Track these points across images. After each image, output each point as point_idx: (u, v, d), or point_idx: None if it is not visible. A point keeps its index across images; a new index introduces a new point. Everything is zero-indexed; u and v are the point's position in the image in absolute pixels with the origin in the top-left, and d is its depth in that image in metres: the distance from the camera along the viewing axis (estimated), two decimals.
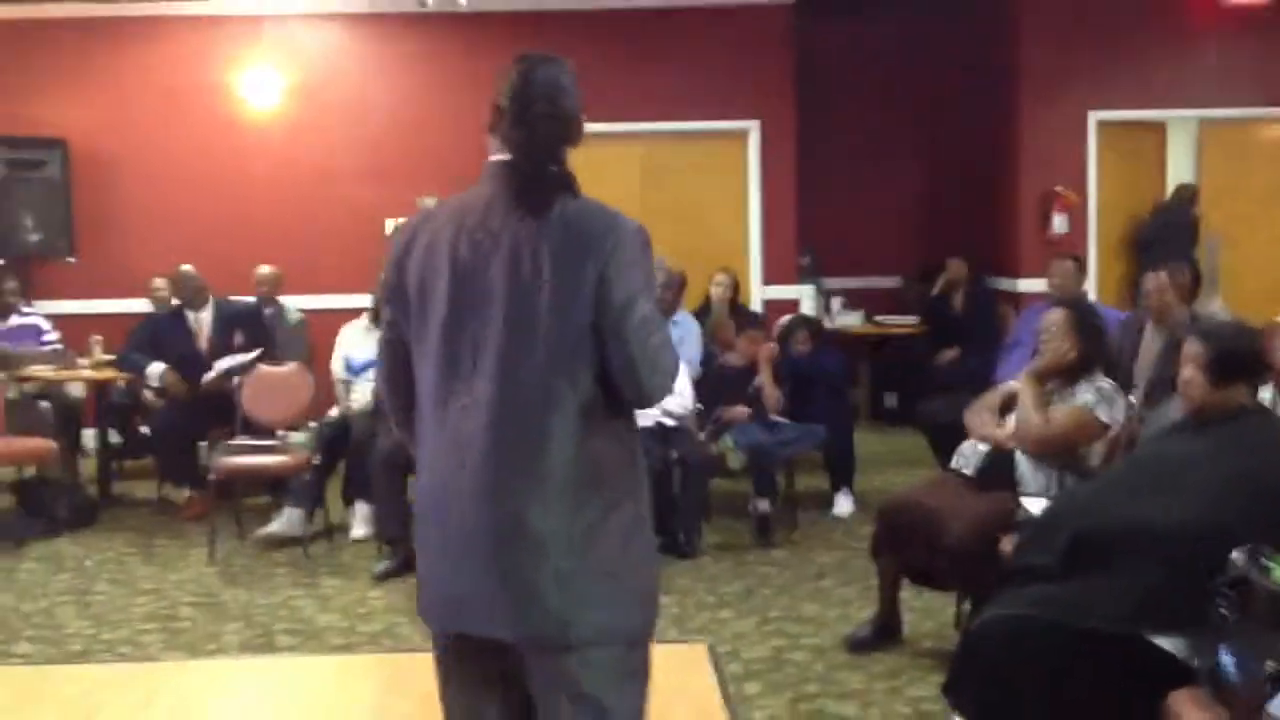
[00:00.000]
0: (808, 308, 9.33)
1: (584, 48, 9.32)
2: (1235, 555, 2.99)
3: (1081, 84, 9.35)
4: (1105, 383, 4.49)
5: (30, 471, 7.44)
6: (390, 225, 8.61)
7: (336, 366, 7.06)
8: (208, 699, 4.50)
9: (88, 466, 7.94)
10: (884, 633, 4.78)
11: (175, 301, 7.56)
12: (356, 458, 6.55)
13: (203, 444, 7.32)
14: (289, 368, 6.94)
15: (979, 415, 4.83)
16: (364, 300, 7.25)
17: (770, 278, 9.54)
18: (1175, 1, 9.25)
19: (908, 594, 4.91)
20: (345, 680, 4.64)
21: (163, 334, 7.35)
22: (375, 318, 6.56)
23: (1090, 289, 7.74)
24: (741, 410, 6.46)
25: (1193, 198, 9.57)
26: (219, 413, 7.04)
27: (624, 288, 2.32)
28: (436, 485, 2.41)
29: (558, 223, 2.34)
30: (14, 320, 7.95)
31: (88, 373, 7.57)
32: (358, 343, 6.89)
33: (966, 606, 4.61)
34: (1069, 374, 4.52)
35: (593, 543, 2.34)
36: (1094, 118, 9.43)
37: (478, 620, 2.38)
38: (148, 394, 7.59)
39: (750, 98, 9.42)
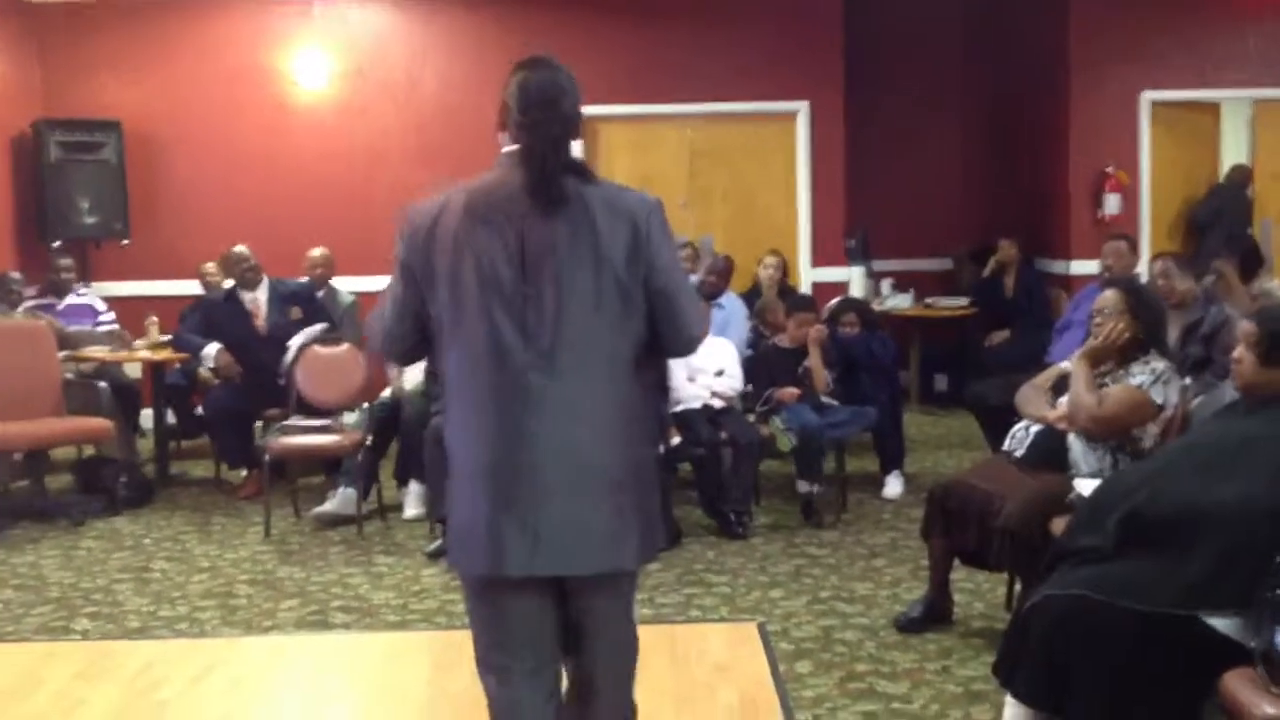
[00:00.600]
0: (857, 290, 9.29)
1: (633, 30, 9.37)
2: None
3: (1134, 64, 9.25)
4: (1160, 363, 4.44)
5: (89, 451, 7.58)
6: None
7: None
8: (264, 674, 4.57)
9: (145, 446, 8.06)
10: (934, 613, 4.78)
11: (228, 283, 7.64)
12: (408, 438, 6.61)
13: (258, 424, 7.41)
14: (342, 349, 7.00)
15: (1030, 397, 4.82)
16: None
17: (819, 260, 9.52)
18: None
19: (958, 575, 4.91)
20: (399, 656, 4.69)
21: (218, 316, 7.43)
22: None
23: (1142, 270, 7.66)
24: (791, 391, 6.46)
25: (1246, 179, 9.46)
26: (273, 393, 7.12)
27: (665, 253, 2.68)
28: (494, 435, 2.62)
29: (594, 201, 2.64)
30: (69, 300, 8.06)
31: (144, 353, 7.67)
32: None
33: (1017, 588, 4.61)
34: (1123, 355, 4.49)
35: (637, 478, 2.68)
36: (1146, 98, 9.33)
37: (541, 561, 2.60)
38: (204, 374, 7.68)
39: (799, 79, 9.39)
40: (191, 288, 8.53)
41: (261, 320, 7.39)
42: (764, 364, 6.74)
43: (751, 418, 6.51)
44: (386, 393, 7.00)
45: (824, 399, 6.59)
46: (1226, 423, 3.72)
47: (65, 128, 8.89)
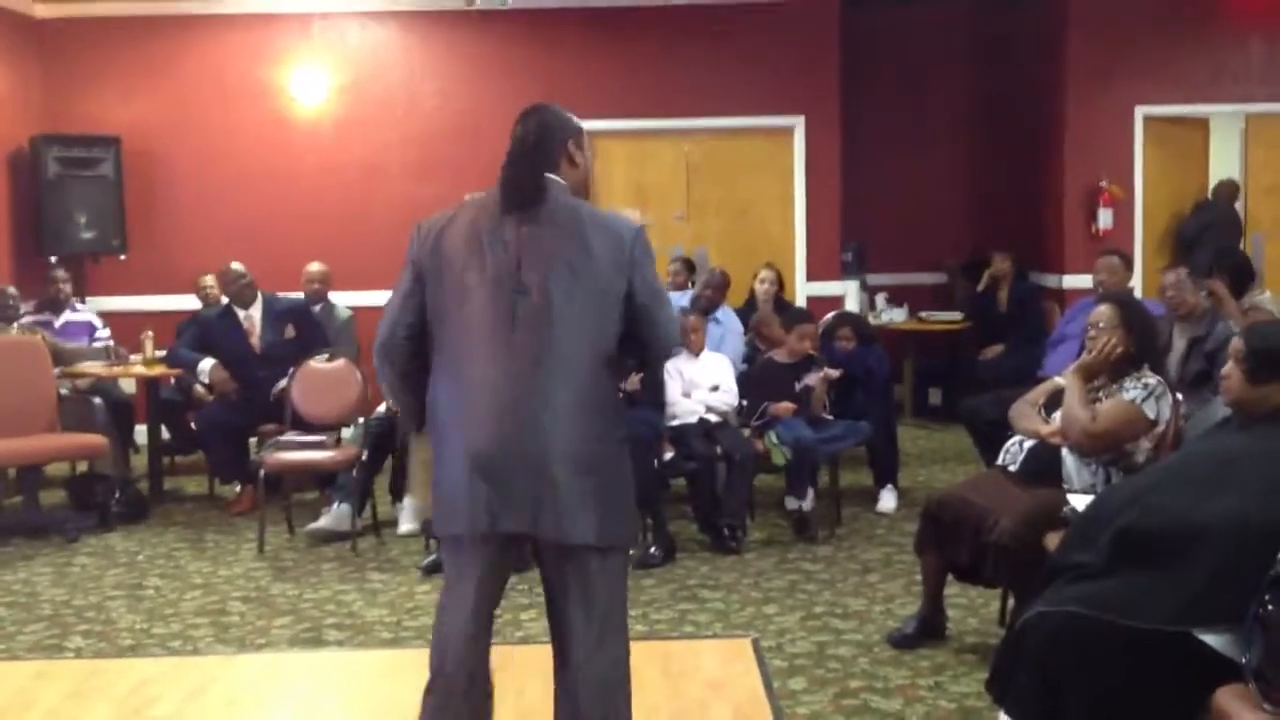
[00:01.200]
0: (852, 304, 9.32)
1: (630, 44, 9.40)
2: None
3: (1128, 78, 9.29)
4: (1152, 379, 4.46)
5: (83, 467, 7.56)
6: None
7: None
8: (258, 693, 4.56)
9: (139, 462, 8.06)
10: (928, 629, 4.78)
11: (224, 299, 7.65)
12: (403, 454, 6.61)
13: (252, 439, 7.40)
14: (338, 364, 7.01)
15: (1024, 412, 4.82)
16: None
17: (814, 274, 9.54)
18: None
19: (952, 590, 4.91)
20: (393, 674, 4.68)
21: (213, 332, 7.43)
22: None
23: (1136, 285, 7.68)
24: (787, 406, 6.46)
25: (1234, 193, 9.49)
26: (267, 410, 7.12)
27: (648, 273, 3.03)
28: (481, 416, 2.95)
29: (585, 217, 3.01)
30: (67, 316, 8.07)
31: (139, 369, 7.66)
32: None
33: (1011, 603, 4.61)
34: (1116, 369, 4.50)
35: (600, 466, 2.98)
36: (1140, 112, 9.36)
37: (511, 519, 2.94)
38: (199, 389, 7.68)
39: (796, 93, 9.43)
40: (188, 303, 8.55)
41: (256, 338, 7.39)
42: (760, 378, 6.75)
43: (746, 432, 6.51)
44: (382, 408, 6.99)
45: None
46: (1218, 439, 3.73)
47: (64, 143, 8.92)
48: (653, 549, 5.99)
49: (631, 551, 5.92)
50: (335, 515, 6.61)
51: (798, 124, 9.50)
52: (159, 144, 9.35)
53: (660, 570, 5.86)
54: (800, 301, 9.09)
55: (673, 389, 6.52)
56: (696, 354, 6.66)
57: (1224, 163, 9.78)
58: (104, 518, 6.88)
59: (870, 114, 10.01)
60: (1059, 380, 4.75)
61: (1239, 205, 9.57)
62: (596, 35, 9.39)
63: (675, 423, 6.40)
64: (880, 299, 10.01)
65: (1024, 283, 9.32)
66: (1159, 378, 4.50)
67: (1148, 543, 3.33)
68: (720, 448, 6.31)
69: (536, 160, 3.04)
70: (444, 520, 3.06)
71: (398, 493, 6.77)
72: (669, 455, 6.25)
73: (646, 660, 4.64)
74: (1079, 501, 4.13)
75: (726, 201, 9.69)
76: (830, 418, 6.64)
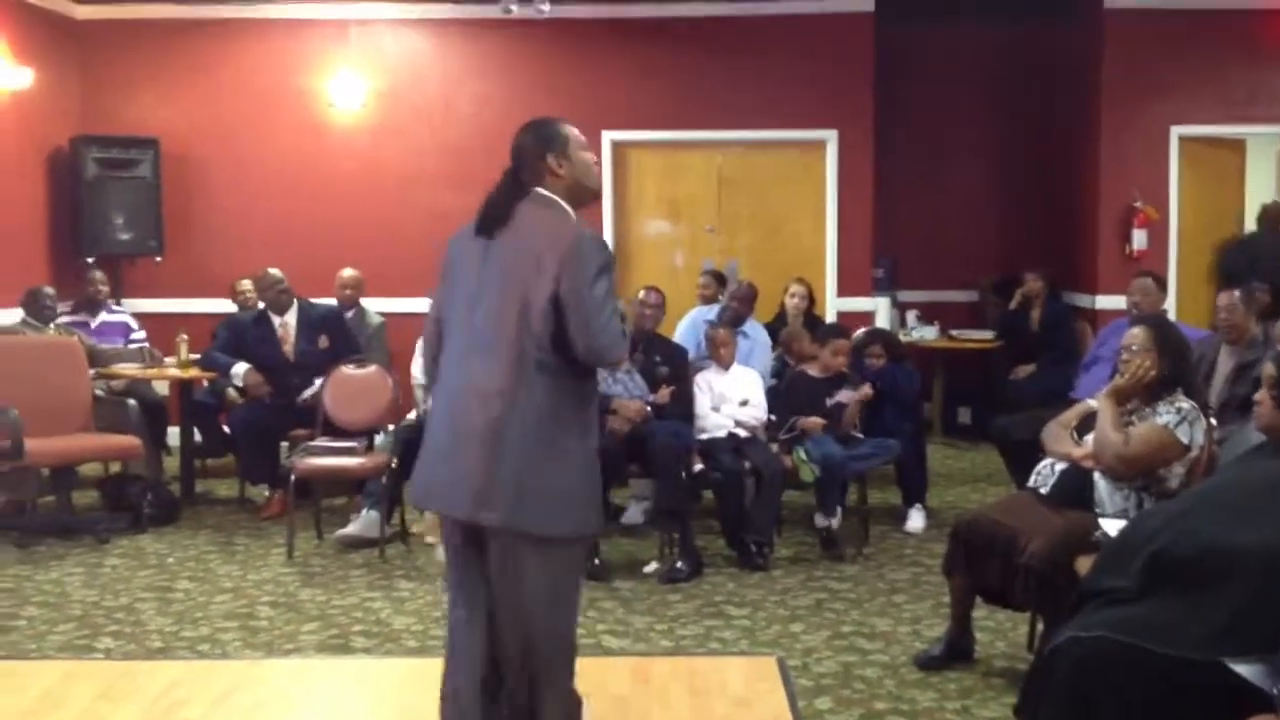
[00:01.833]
0: (882, 320, 9.30)
1: (664, 56, 9.42)
2: None
3: (1164, 98, 9.25)
4: (1186, 403, 4.43)
5: (116, 468, 7.62)
6: None
7: (416, 371, 7.16)
8: (285, 697, 4.59)
9: (171, 464, 8.12)
10: (955, 651, 4.77)
11: (260, 305, 7.69)
12: None
13: (283, 444, 7.44)
14: (370, 370, 7.05)
15: (1056, 434, 4.80)
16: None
17: (845, 289, 9.53)
18: (1258, 16, 9.13)
19: (980, 613, 4.89)
20: (419, 682, 4.68)
21: (247, 337, 7.47)
22: None
23: (1170, 308, 7.63)
24: (816, 421, 6.45)
25: (1276, 221, 9.38)
26: (301, 413, 7.16)
27: (579, 276, 3.22)
28: (454, 407, 3.36)
29: (541, 230, 3.33)
30: (103, 317, 8.14)
31: (173, 371, 7.72)
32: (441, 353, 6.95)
33: (1040, 627, 4.59)
34: (1149, 393, 4.48)
35: (525, 454, 3.24)
36: (1176, 132, 9.31)
37: (454, 503, 3.34)
38: (232, 393, 7.73)
39: (829, 107, 9.42)
40: (223, 306, 8.60)
41: (290, 346, 7.43)
42: (792, 391, 6.72)
43: (775, 447, 6.51)
44: (412, 415, 7.03)
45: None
46: (1252, 465, 3.69)
47: (102, 144, 9.00)
48: (679, 564, 6.00)
49: (656, 566, 6.01)
50: (364, 522, 6.64)
51: (831, 138, 9.49)
52: (196, 147, 9.43)
53: (687, 585, 5.86)
54: (830, 317, 9.07)
55: (702, 403, 6.53)
56: (725, 367, 6.67)
57: (1260, 184, 9.71)
58: (136, 519, 6.93)
59: (904, 130, 10.00)
60: (1092, 403, 4.73)
61: None
62: (631, 46, 9.42)
63: (704, 436, 6.40)
64: (911, 316, 9.98)
65: (1056, 302, 9.28)
66: (1192, 402, 4.48)
67: (1180, 569, 3.31)
68: (749, 463, 6.31)
69: (511, 187, 3.42)
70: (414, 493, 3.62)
71: None
72: (698, 467, 6.25)
73: (672, 676, 4.66)
74: (1111, 526, 4.12)
75: (758, 215, 9.70)
76: (860, 435, 6.62)
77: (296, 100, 9.48)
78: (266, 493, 7.44)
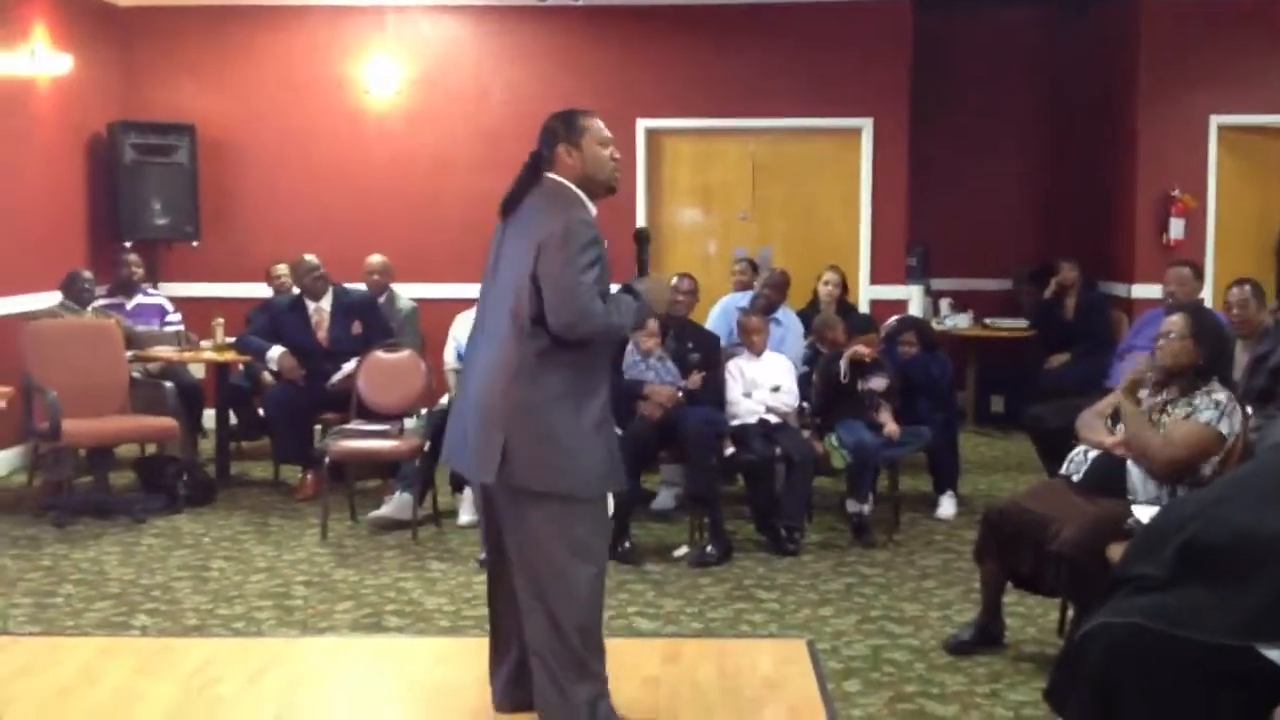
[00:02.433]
0: (915, 308, 9.27)
1: (698, 42, 9.41)
2: None
3: (1203, 86, 9.16)
4: (1222, 394, 4.41)
5: (152, 449, 7.70)
6: None
7: (449, 355, 7.21)
8: (319, 675, 4.63)
9: (206, 447, 8.19)
10: (985, 636, 4.76)
11: (296, 290, 7.74)
12: None
13: (317, 427, 7.50)
14: (403, 354, 7.09)
15: (1090, 423, 4.79)
16: (477, 291, 7.35)
17: (878, 277, 9.50)
18: None
19: (1010, 599, 4.89)
20: (451, 660, 4.74)
21: (282, 322, 7.52)
22: None
23: (1206, 297, 7.58)
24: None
25: None
26: (334, 397, 7.21)
27: (554, 258, 3.52)
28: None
29: (538, 218, 3.63)
30: (139, 299, 8.22)
31: (209, 354, 7.79)
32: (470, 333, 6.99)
33: (1070, 613, 4.58)
34: (1186, 381, 4.46)
35: (513, 419, 3.59)
36: (1215, 121, 9.23)
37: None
38: (267, 377, 7.79)
39: (865, 95, 9.39)
40: (259, 291, 8.65)
41: (324, 332, 7.48)
42: (825, 375, 6.68)
43: (806, 433, 6.50)
44: (444, 400, 7.06)
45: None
46: None
47: (140, 130, 9.07)
48: (709, 548, 6.01)
49: (686, 550, 6.02)
50: (397, 504, 6.68)
51: (866, 126, 9.46)
52: (233, 133, 9.49)
53: (717, 569, 5.88)
54: (864, 305, 9.07)
55: (733, 389, 6.53)
56: (758, 354, 6.67)
57: None
58: (172, 500, 7.00)
59: (939, 117, 9.95)
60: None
61: None
62: (665, 33, 9.41)
63: (735, 422, 6.41)
64: (945, 304, 9.95)
65: (1091, 291, 9.23)
66: (1229, 392, 4.46)
67: (1213, 556, 3.30)
68: (780, 449, 6.31)
69: (526, 175, 3.75)
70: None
71: (458, 483, 6.82)
72: (729, 451, 6.26)
73: (703, 657, 4.68)
74: (1144, 513, 4.11)
75: (791, 202, 9.69)
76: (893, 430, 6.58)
77: (333, 87, 9.53)
78: (300, 475, 7.50)
